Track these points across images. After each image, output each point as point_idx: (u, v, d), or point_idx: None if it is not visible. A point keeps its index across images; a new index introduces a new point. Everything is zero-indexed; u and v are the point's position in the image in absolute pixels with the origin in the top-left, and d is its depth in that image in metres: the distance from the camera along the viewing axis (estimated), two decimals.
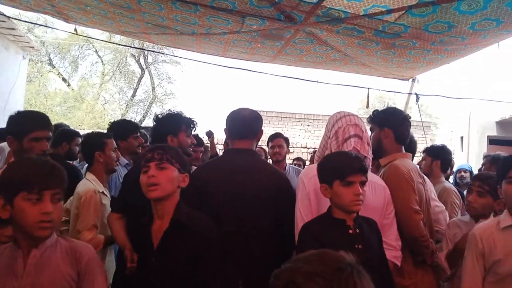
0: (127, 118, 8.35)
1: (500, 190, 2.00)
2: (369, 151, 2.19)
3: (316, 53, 4.19)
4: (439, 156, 3.65)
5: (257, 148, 2.65)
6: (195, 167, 2.65)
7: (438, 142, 13.13)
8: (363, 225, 1.77)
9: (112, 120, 3.77)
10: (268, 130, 9.04)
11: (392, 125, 2.51)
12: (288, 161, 5.22)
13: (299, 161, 6.17)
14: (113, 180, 3.14)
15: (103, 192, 2.60)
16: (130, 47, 16.39)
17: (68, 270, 1.49)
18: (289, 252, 2.00)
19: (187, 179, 1.87)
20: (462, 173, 4.97)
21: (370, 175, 1.94)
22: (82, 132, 3.96)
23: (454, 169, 5.38)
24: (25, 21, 11.61)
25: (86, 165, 2.87)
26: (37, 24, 13.63)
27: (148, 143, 3.59)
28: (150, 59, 20.97)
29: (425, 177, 2.65)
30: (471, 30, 2.97)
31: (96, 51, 20.70)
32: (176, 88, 25.66)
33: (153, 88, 21.19)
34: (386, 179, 2.26)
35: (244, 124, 2.28)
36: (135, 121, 7.72)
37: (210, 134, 5.11)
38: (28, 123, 2.25)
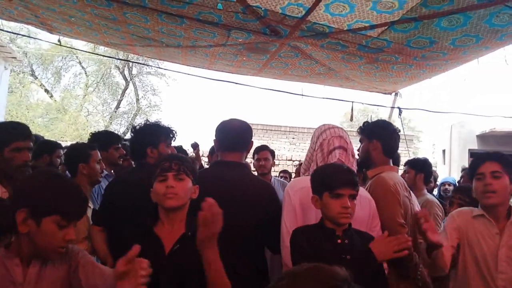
0: (110, 130, 8.24)
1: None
2: (354, 163, 2.19)
3: (301, 66, 4.23)
4: (422, 170, 3.71)
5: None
6: None
7: (420, 155, 13.33)
8: (354, 237, 1.76)
9: (93, 131, 3.72)
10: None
11: (381, 137, 2.51)
12: (274, 173, 5.21)
13: (286, 174, 6.15)
14: (95, 191, 3.09)
15: None
16: (115, 58, 16.23)
17: (67, 275, 1.52)
18: (279, 263, 1.97)
19: (198, 191, 1.85)
20: (447, 186, 5.07)
21: None
22: (64, 144, 3.88)
23: (438, 182, 5.46)
24: (8, 31, 11.42)
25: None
26: (20, 34, 13.49)
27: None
28: (134, 71, 20.87)
29: (410, 191, 2.67)
30: (452, 45, 3.05)
31: (80, 62, 20.46)
32: (161, 100, 25.45)
33: (138, 100, 21.03)
34: (373, 191, 2.26)
35: (235, 135, 2.25)
36: (118, 133, 7.60)
37: (195, 146, 5.08)
38: (8, 133, 2.20)
